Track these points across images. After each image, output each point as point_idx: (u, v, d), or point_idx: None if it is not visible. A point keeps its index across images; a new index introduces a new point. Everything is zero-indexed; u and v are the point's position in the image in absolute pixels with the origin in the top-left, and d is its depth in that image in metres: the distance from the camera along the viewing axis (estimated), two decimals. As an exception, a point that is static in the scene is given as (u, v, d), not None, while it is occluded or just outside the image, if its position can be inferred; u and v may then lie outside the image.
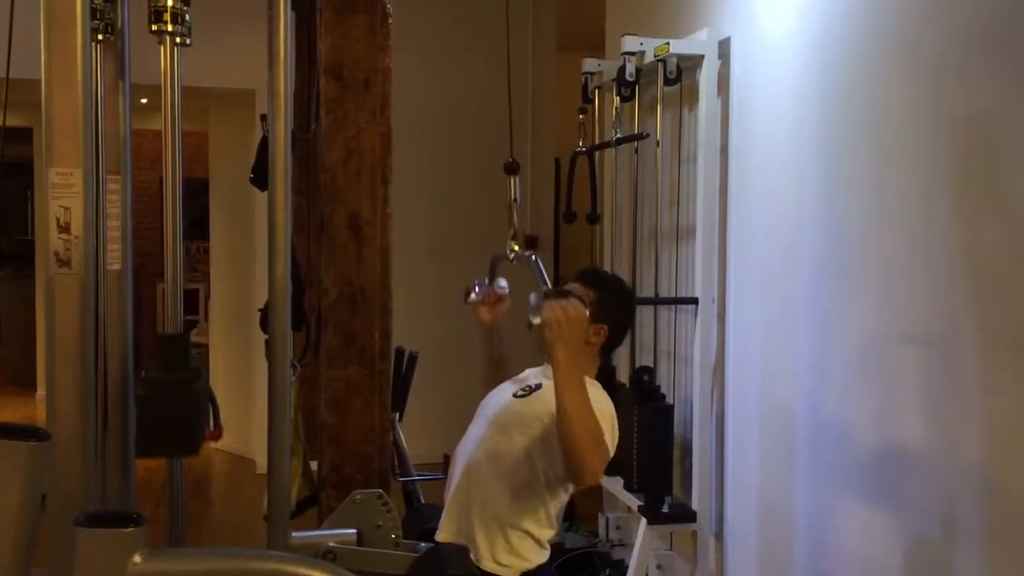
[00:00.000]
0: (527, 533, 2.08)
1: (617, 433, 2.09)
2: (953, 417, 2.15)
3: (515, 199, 2.23)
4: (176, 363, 1.90)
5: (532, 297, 1.95)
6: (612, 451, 2.04)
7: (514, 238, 2.25)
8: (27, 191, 8.83)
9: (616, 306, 2.28)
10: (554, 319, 1.88)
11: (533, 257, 2.13)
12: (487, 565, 2.05)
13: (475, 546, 2.05)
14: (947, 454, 2.17)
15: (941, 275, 2.19)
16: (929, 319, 2.24)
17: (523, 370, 2.33)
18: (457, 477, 2.15)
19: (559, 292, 1.94)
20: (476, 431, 2.17)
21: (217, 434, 2.00)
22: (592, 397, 1.98)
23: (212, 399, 2.01)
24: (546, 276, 2.04)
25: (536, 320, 1.91)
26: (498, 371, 2.45)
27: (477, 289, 2.44)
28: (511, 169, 2.23)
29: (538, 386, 2.18)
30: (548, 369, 2.22)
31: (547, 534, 2.13)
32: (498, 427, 2.12)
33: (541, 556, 2.12)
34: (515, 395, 2.17)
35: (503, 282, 2.43)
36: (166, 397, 1.85)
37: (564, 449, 1.91)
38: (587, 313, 1.92)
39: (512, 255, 2.24)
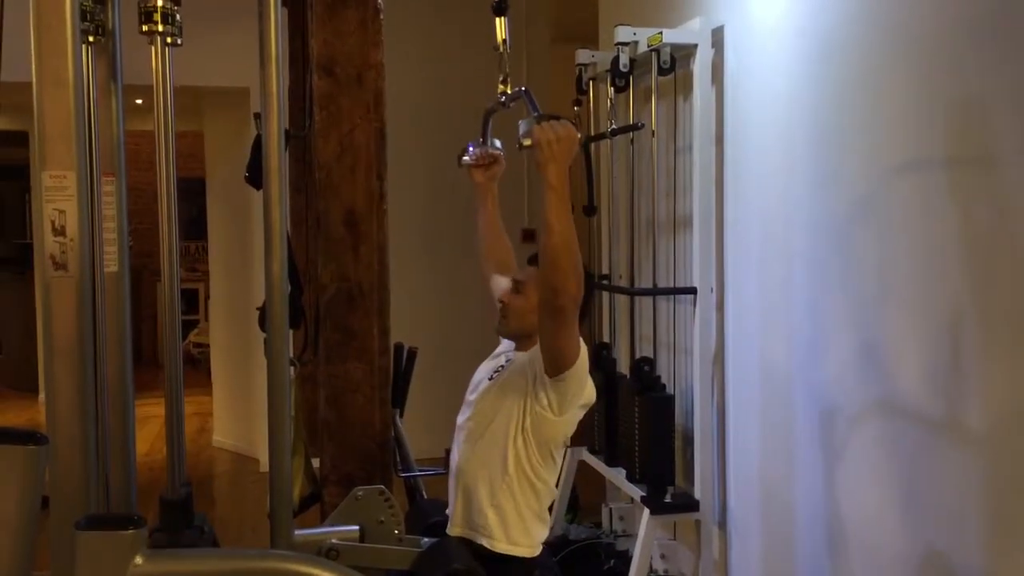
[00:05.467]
0: (532, 505, 2.08)
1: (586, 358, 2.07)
2: (954, 399, 2.15)
3: (504, 40, 2.18)
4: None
5: (522, 123, 1.92)
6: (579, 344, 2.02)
7: (504, 82, 2.18)
8: (24, 195, 8.83)
9: None
10: (545, 139, 1.86)
11: (523, 88, 2.07)
12: (501, 547, 2.05)
13: (488, 531, 2.05)
14: (950, 437, 2.17)
15: (937, 259, 2.19)
16: (925, 303, 2.24)
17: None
18: (455, 468, 2.15)
19: (550, 116, 1.89)
20: (464, 418, 2.18)
21: None
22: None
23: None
24: (537, 104, 1.99)
25: (527, 142, 1.88)
26: (493, 237, 2.44)
27: (471, 150, 2.37)
28: (499, 9, 2.15)
29: (509, 361, 2.18)
30: (514, 344, 2.22)
31: (544, 505, 2.12)
32: (481, 411, 2.13)
33: (543, 532, 2.12)
34: (490, 378, 2.17)
35: (497, 142, 2.37)
36: None
37: (544, 267, 1.90)
38: (578, 134, 1.90)
39: (503, 98, 2.18)
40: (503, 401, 2.08)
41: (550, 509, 2.17)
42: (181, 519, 1.97)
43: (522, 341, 2.17)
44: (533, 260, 2.19)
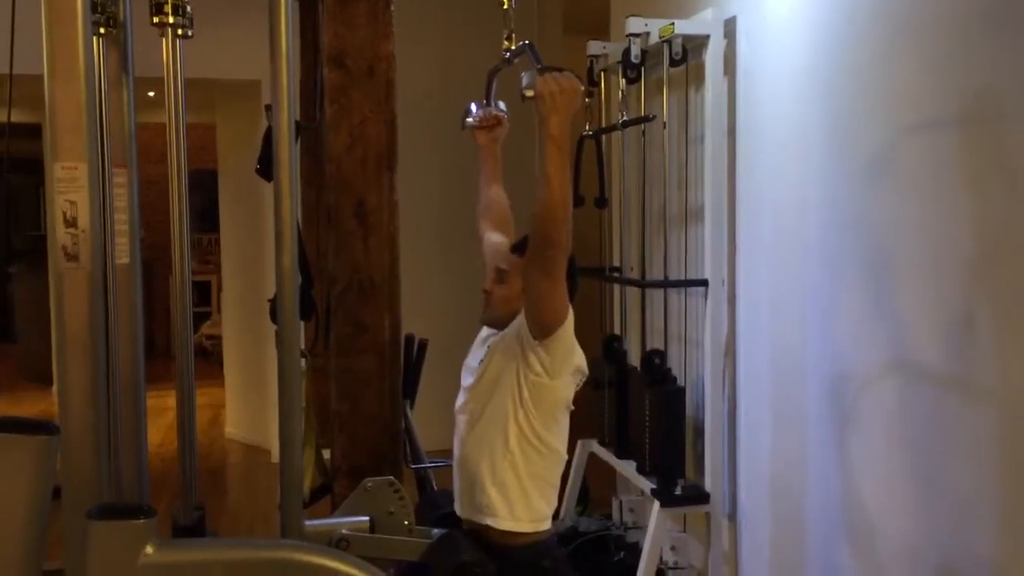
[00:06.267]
0: (537, 476, 2.08)
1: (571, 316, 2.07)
2: (969, 393, 2.14)
3: None
4: None
5: (524, 75, 1.91)
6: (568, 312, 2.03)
7: (508, 39, 2.17)
8: (38, 187, 8.87)
9: None
10: (547, 91, 1.85)
11: (527, 42, 2.06)
12: (506, 524, 2.05)
13: (492, 510, 2.05)
14: (966, 428, 2.16)
15: (951, 250, 2.18)
16: (940, 294, 2.22)
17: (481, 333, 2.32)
18: (458, 452, 2.16)
19: (553, 68, 1.89)
20: (461, 403, 2.18)
21: None
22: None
23: None
24: (540, 57, 1.99)
25: (530, 93, 1.88)
26: (493, 194, 2.43)
27: (474, 111, 2.36)
28: None
29: (495, 341, 2.18)
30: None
31: (554, 472, 2.12)
32: (477, 394, 2.13)
33: (551, 502, 2.12)
34: (480, 361, 2.18)
35: (501, 104, 2.36)
36: None
37: (539, 218, 1.90)
38: (581, 86, 1.90)
39: (507, 55, 2.17)
40: (497, 380, 2.09)
41: (563, 485, 2.15)
42: None
43: (505, 328, 2.18)
44: (516, 248, 2.19)
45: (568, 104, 1.87)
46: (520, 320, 2.05)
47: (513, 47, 2.17)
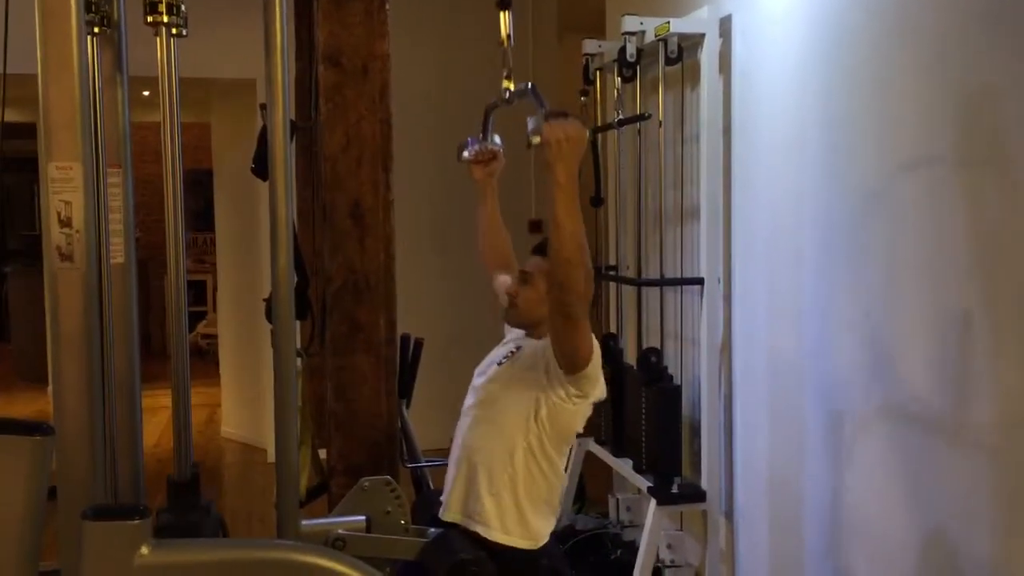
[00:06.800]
0: (536, 496, 2.08)
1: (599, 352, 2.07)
2: (963, 389, 2.14)
3: (508, 35, 2.14)
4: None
5: (530, 120, 1.90)
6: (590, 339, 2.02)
7: (508, 77, 2.15)
8: (33, 187, 8.86)
9: None
10: (554, 138, 1.85)
11: (530, 84, 2.05)
12: (497, 536, 2.05)
13: (484, 519, 2.05)
14: (958, 427, 2.16)
15: (946, 250, 2.18)
16: (935, 294, 2.23)
17: (507, 331, 2.33)
18: (457, 452, 2.15)
19: (559, 113, 1.89)
20: (469, 403, 2.18)
21: None
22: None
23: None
24: (544, 100, 1.98)
25: (536, 140, 1.87)
26: (494, 233, 2.45)
27: (470, 145, 2.36)
28: (504, 3, 2.12)
29: (519, 348, 2.18)
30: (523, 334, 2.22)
31: (555, 493, 2.12)
32: (488, 398, 2.13)
33: (549, 522, 2.12)
34: (499, 363, 2.18)
35: (497, 138, 2.36)
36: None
37: (553, 264, 1.91)
38: (587, 132, 1.90)
39: (507, 94, 2.15)
40: (513, 389, 2.09)
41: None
42: (188, 500, 1.98)
43: (532, 329, 2.18)
44: (537, 250, 2.19)
45: (575, 151, 1.87)
46: (546, 343, 2.05)
47: (513, 87, 2.16)
